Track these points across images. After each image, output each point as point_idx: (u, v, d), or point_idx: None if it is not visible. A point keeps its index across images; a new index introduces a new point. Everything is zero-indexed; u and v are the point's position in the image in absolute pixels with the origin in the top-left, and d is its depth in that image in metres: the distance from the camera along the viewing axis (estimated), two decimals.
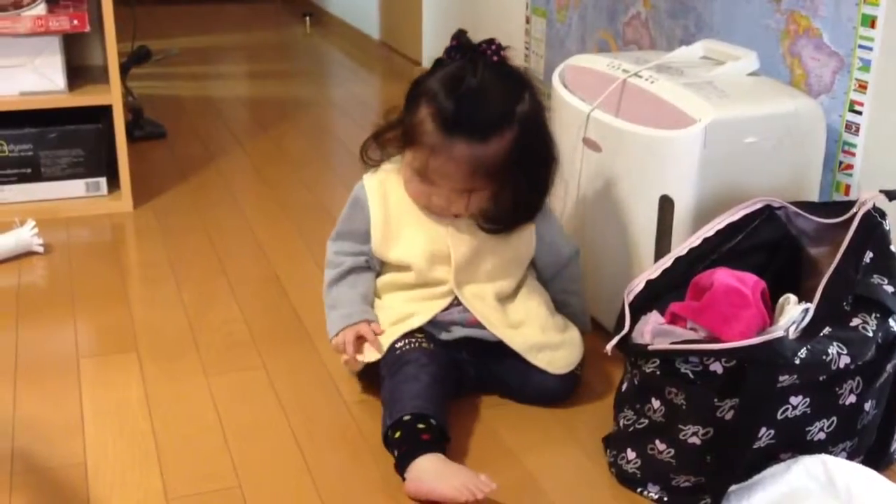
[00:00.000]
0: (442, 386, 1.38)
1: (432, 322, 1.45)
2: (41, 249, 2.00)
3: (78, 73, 2.28)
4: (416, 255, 1.44)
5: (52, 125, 2.17)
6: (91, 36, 2.30)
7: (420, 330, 1.44)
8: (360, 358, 1.43)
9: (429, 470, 1.25)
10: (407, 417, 1.30)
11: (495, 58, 1.38)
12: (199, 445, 1.38)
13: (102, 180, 2.24)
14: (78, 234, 2.12)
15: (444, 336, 1.45)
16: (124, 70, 2.65)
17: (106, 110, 2.19)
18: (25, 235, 1.98)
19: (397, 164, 1.45)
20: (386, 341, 1.43)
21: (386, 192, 1.46)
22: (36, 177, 2.19)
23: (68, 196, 2.23)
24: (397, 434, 1.29)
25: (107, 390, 1.52)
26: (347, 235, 1.50)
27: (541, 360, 1.44)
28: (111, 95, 2.17)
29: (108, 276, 1.93)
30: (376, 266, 1.51)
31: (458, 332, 1.45)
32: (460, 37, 1.41)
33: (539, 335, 1.45)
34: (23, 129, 2.16)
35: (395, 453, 1.29)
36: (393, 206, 1.46)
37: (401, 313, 1.46)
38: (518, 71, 1.40)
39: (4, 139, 2.15)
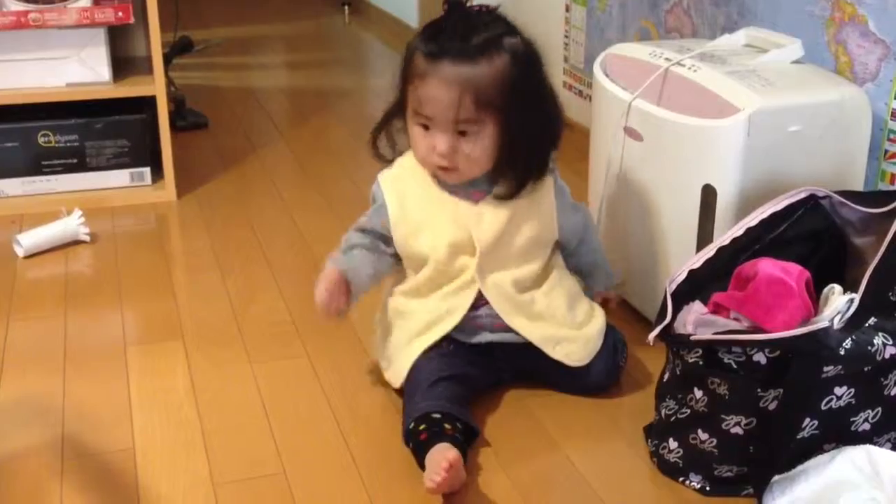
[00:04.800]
0: (461, 386, 1.38)
1: (460, 328, 1.42)
2: (87, 238, 2.03)
3: (122, 64, 2.31)
4: (438, 246, 1.41)
5: (98, 116, 2.21)
6: (135, 27, 2.33)
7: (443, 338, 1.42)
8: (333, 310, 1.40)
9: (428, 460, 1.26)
10: (422, 415, 1.30)
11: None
12: (244, 432, 1.40)
13: (147, 170, 2.27)
14: (123, 224, 2.16)
15: (473, 340, 1.44)
16: (167, 61, 2.67)
17: (150, 101, 2.22)
18: (72, 224, 2.02)
19: (411, 157, 1.43)
20: (409, 358, 1.41)
21: (403, 187, 1.44)
22: (82, 167, 2.23)
23: (113, 186, 2.26)
24: (421, 426, 1.29)
25: (153, 378, 1.55)
26: (363, 229, 1.47)
27: (558, 353, 1.43)
28: (155, 86, 2.20)
29: (153, 265, 1.96)
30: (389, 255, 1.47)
31: (486, 338, 1.44)
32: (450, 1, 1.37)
33: (555, 329, 1.44)
34: (69, 119, 2.19)
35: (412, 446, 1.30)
36: (410, 200, 1.43)
37: (425, 321, 1.43)
38: (507, 19, 1.39)
39: (51, 130, 2.19)
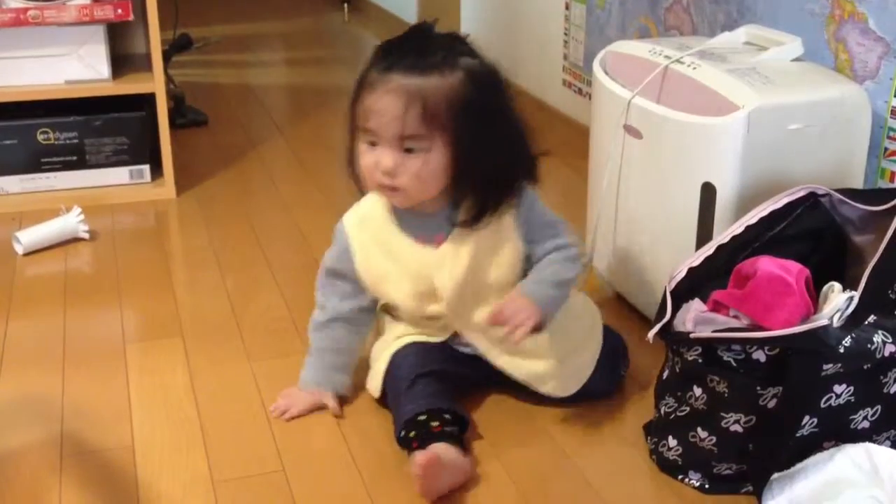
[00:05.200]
0: (441, 382, 1.37)
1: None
2: (87, 236, 2.03)
3: (121, 61, 2.31)
4: (404, 297, 1.38)
5: (97, 113, 2.20)
6: (134, 24, 2.33)
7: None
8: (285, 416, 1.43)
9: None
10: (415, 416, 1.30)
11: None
12: (244, 430, 1.40)
13: (146, 167, 2.27)
14: (122, 221, 2.16)
15: (462, 350, 1.43)
16: (166, 58, 2.67)
17: (149, 98, 2.22)
18: (72, 222, 2.02)
19: (374, 197, 1.38)
20: (387, 355, 1.41)
21: (366, 236, 1.39)
22: (81, 164, 2.22)
23: (113, 183, 2.26)
24: (411, 433, 1.29)
25: (153, 375, 1.55)
26: (334, 274, 1.43)
27: (548, 389, 1.41)
28: (154, 83, 2.20)
29: (152, 262, 1.96)
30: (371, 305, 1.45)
31: (473, 351, 1.42)
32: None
33: (543, 365, 1.40)
34: (68, 117, 2.19)
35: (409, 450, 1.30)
36: (374, 249, 1.39)
37: (408, 331, 1.43)
38: (472, 45, 1.31)
39: (50, 127, 2.18)
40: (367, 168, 1.28)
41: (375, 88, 1.25)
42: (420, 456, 1.22)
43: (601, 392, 1.45)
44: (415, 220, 1.36)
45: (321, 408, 1.43)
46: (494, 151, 1.29)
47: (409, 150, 1.25)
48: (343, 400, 1.45)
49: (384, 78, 1.24)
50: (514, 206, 1.34)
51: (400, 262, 1.37)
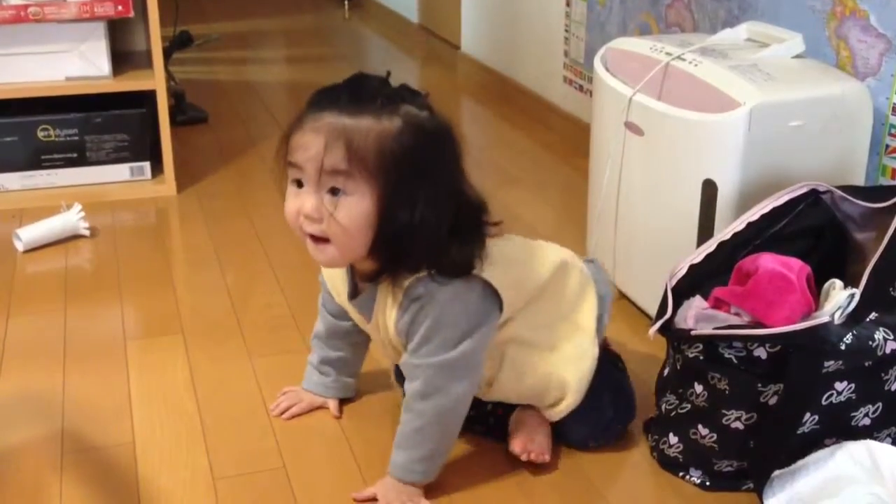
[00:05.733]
0: None
1: None
2: (87, 233, 2.03)
3: (121, 58, 2.31)
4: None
5: (97, 110, 2.20)
6: (134, 21, 2.33)
7: None
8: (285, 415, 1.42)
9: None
10: None
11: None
12: (244, 426, 1.40)
13: (146, 164, 2.27)
14: (123, 218, 2.15)
15: None
16: (166, 55, 2.67)
17: (149, 95, 2.22)
18: (72, 219, 2.02)
19: None
20: None
21: (334, 281, 1.33)
22: (82, 161, 2.22)
23: (113, 180, 2.26)
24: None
25: (153, 372, 1.55)
26: (324, 290, 1.39)
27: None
28: (155, 80, 2.20)
29: (153, 259, 1.95)
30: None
31: None
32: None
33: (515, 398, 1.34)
34: (69, 114, 2.19)
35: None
36: (341, 297, 1.33)
37: None
38: (425, 99, 1.18)
39: (51, 124, 2.18)
40: (291, 215, 1.17)
41: (304, 126, 1.14)
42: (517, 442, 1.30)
43: (580, 444, 1.35)
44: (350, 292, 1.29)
45: (321, 407, 1.43)
46: (417, 212, 1.14)
47: (333, 193, 1.13)
48: (344, 400, 1.45)
49: (314, 116, 1.14)
50: (409, 295, 1.19)
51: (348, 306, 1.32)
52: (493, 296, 1.21)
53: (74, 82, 2.17)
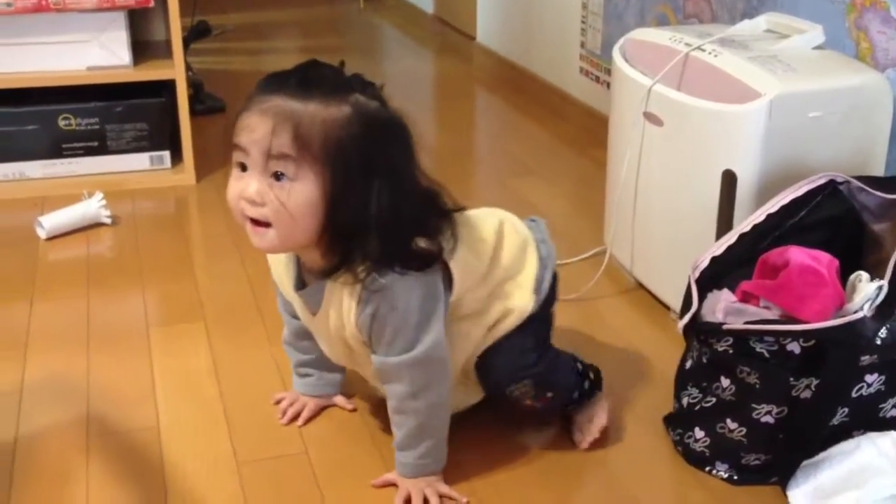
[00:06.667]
0: None
1: None
2: (109, 221, 2.05)
3: (140, 47, 2.32)
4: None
5: (116, 99, 2.22)
6: (154, 11, 2.34)
7: None
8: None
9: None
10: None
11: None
12: (266, 412, 1.42)
13: (166, 154, 2.29)
14: (143, 207, 2.17)
15: None
16: (185, 45, 2.67)
17: (168, 85, 2.23)
18: (94, 207, 2.03)
19: None
20: None
21: (280, 277, 1.31)
22: (102, 150, 2.24)
23: (133, 169, 2.27)
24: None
25: (176, 358, 1.57)
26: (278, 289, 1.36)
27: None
28: (174, 70, 2.21)
29: (173, 247, 1.97)
30: None
31: None
32: None
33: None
34: (90, 103, 2.21)
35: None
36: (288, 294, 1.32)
37: None
38: (378, 90, 1.16)
39: (72, 113, 2.20)
40: (232, 198, 1.14)
41: (251, 108, 1.12)
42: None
43: (496, 379, 1.30)
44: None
45: (327, 406, 1.43)
46: (368, 203, 1.12)
47: (277, 178, 1.11)
48: (361, 387, 1.47)
49: (262, 98, 1.12)
50: (365, 288, 1.16)
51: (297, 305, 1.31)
52: (446, 279, 1.20)
53: (96, 71, 2.19)
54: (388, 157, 1.13)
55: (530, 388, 1.28)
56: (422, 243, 1.17)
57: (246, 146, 1.11)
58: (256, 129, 1.10)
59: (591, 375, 1.38)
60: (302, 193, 1.11)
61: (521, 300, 1.27)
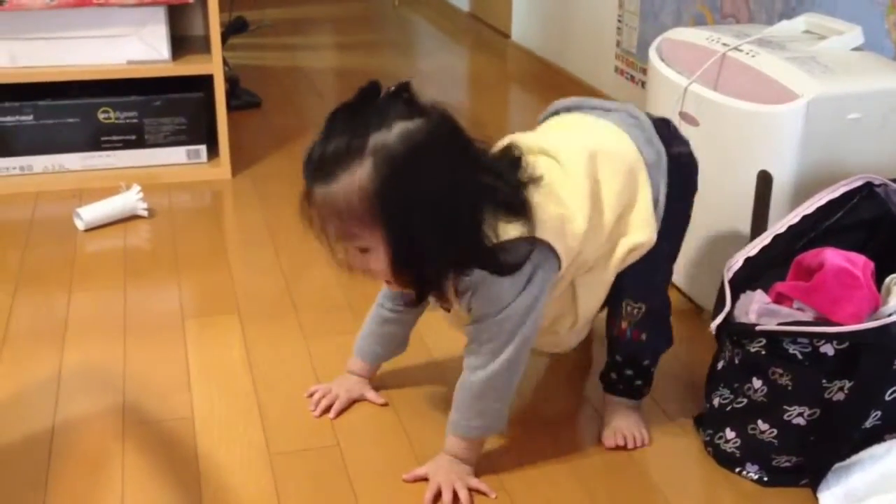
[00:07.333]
0: None
1: None
2: (145, 213, 2.08)
3: (178, 42, 2.35)
4: None
5: (154, 93, 2.24)
6: (193, 6, 2.37)
7: None
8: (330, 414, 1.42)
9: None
10: None
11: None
12: (300, 404, 1.43)
13: (203, 148, 2.31)
14: (179, 200, 2.20)
15: None
16: (223, 40, 2.70)
17: (205, 79, 2.25)
18: (132, 199, 2.06)
19: None
20: None
21: None
22: (140, 143, 2.27)
23: (170, 162, 2.30)
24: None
25: (211, 349, 1.59)
26: None
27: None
28: (212, 65, 2.23)
29: (209, 240, 1.99)
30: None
31: None
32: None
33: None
34: (129, 97, 2.23)
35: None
36: None
37: None
38: (407, 101, 1.14)
39: (111, 106, 2.23)
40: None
41: (308, 200, 1.17)
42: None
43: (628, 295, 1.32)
44: None
45: (358, 400, 1.44)
46: (428, 233, 1.14)
47: (361, 251, 1.17)
48: (393, 381, 1.48)
49: (307, 188, 1.16)
50: (460, 287, 1.21)
51: None
52: (551, 255, 1.21)
53: (135, 66, 2.22)
54: (431, 173, 1.12)
55: (640, 314, 1.32)
56: (511, 230, 1.17)
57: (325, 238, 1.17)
58: (318, 223, 1.16)
59: (650, 379, 1.39)
60: (377, 260, 1.16)
61: (642, 235, 1.27)
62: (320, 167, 1.13)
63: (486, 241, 1.16)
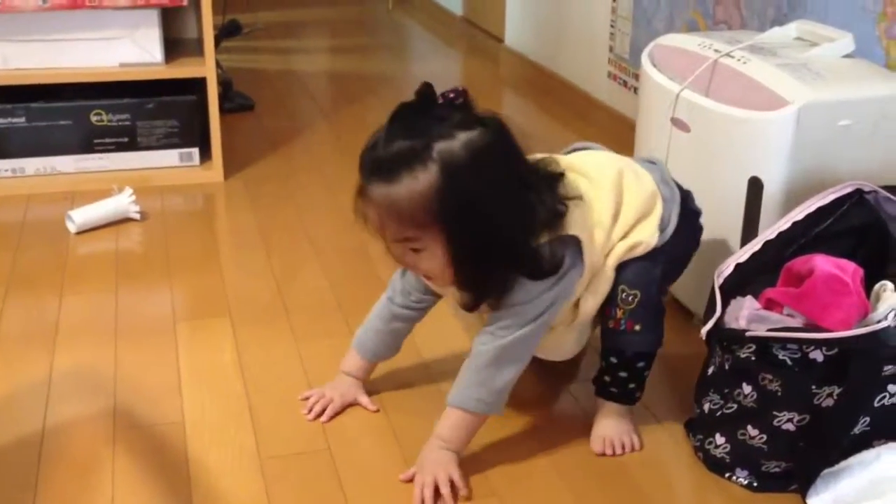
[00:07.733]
0: None
1: None
2: (138, 216, 2.07)
3: (172, 45, 2.35)
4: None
5: (147, 96, 2.24)
6: (186, 9, 2.37)
7: None
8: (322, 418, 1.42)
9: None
10: None
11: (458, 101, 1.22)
12: (290, 408, 1.43)
13: (195, 151, 2.31)
14: (172, 203, 2.20)
15: None
16: (216, 43, 2.69)
17: (198, 82, 2.25)
18: (124, 202, 2.06)
19: None
20: None
21: None
22: (132, 146, 2.27)
23: (162, 165, 2.30)
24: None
25: (202, 352, 1.59)
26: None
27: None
28: (206, 68, 2.23)
29: (201, 243, 1.99)
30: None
31: None
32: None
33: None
34: (122, 99, 2.23)
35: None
36: None
37: None
38: (465, 111, 1.21)
39: (104, 109, 2.23)
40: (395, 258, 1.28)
41: (363, 196, 1.22)
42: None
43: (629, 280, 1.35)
44: None
45: (352, 404, 1.44)
46: (490, 234, 1.21)
47: (414, 250, 1.23)
48: (385, 385, 1.48)
49: (365, 187, 1.21)
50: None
51: None
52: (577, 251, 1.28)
53: (128, 68, 2.22)
54: (491, 182, 1.20)
55: (635, 301, 1.33)
56: (552, 252, 1.24)
57: (380, 233, 1.23)
58: (374, 220, 1.22)
59: (643, 384, 1.39)
60: (431, 260, 1.22)
61: (645, 234, 1.33)
62: (383, 166, 1.18)
63: (532, 247, 1.24)
